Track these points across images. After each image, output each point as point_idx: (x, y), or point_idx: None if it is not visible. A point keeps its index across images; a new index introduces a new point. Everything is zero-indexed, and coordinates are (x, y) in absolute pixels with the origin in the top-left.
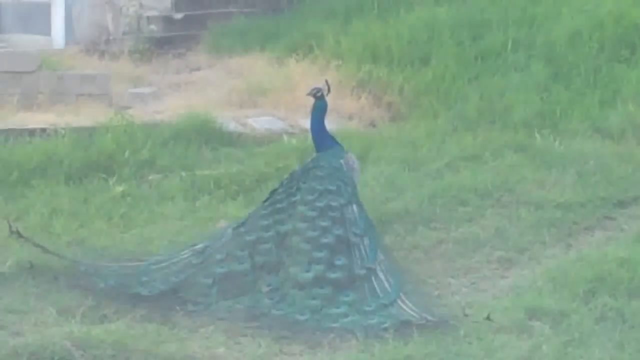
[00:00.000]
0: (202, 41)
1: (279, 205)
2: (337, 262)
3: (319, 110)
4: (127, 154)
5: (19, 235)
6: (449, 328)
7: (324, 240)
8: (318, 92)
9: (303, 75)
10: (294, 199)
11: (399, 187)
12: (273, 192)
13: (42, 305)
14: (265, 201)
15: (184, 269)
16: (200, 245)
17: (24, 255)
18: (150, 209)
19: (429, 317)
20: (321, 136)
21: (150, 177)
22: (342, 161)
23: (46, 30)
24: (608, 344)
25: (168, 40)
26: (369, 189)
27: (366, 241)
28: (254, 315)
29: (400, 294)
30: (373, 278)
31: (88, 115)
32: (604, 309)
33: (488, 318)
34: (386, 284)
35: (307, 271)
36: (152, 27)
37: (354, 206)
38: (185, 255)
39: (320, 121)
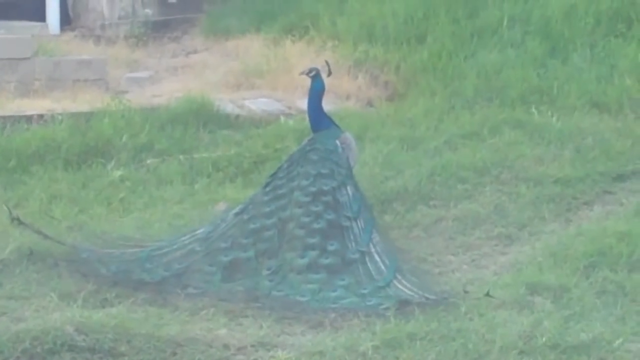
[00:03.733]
0: (197, 24)
1: (280, 191)
2: (330, 248)
3: (315, 90)
4: (124, 138)
5: (19, 221)
6: (450, 305)
7: (316, 226)
8: (311, 72)
9: (299, 56)
10: (293, 184)
11: (398, 166)
12: (272, 176)
13: (43, 290)
14: (265, 186)
15: (188, 255)
16: (201, 231)
17: (25, 241)
18: (149, 193)
19: (429, 296)
20: (317, 117)
21: (148, 161)
22: (337, 141)
23: (41, 17)
24: (609, 318)
25: (164, 23)
26: (368, 169)
27: (360, 223)
28: (255, 297)
29: (396, 274)
30: (367, 260)
31: (85, 101)
32: (605, 283)
33: (488, 294)
34: (382, 266)
35: (302, 257)
36: (148, 11)
37: (348, 188)
38: (187, 241)
39: (316, 102)
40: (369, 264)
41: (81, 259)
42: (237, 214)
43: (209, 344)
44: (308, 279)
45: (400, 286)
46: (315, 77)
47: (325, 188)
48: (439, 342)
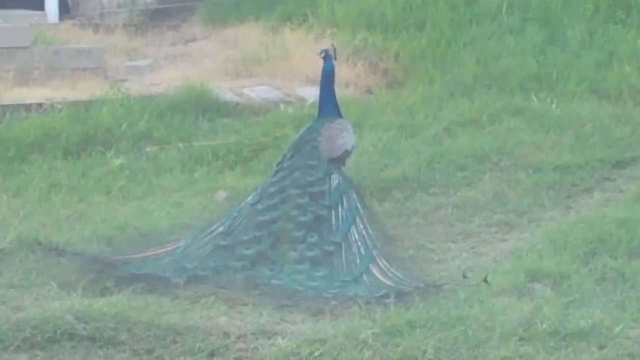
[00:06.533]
0: (196, 12)
1: (284, 183)
2: (310, 240)
3: (323, 74)
4: (124, 126)
5: (39, 243)
6: (450, 292)
7: (302, 219)
8: (321, 53)
9: (298, 44)
10: (293, 175)
11: (397, 154)
12: (278, 164)
13: (43, 279)
14: (273, 175)
15: (215, 252)
16: (220, 227)
17: (24, 230)
18: (148, 181)
19: (417, 284)
20: (322, 101)
21: (147, 150)
22: (328, 124)
23: (40, 5)
24: (609, 304)
25: (162, 12)
26: (367, 156)
27: (340, 212)
28: (255, 285)
29: (370, 265)
30: (344, 252)
31: (84, 89)
32: (604, 270)
33: (486, 280)
34: (357, 258)
35: (294, 250)
36: None
37: (332, 177)
38: (208, 238)
39: (324, 86)
40: (344, 256)
41: (107, 263)
42: (252, 205)
43: (208, 331)
44: (296, 269)
45: (379, 276)
46: (325, 58)
47: (310, 179)
48: (438, 329)
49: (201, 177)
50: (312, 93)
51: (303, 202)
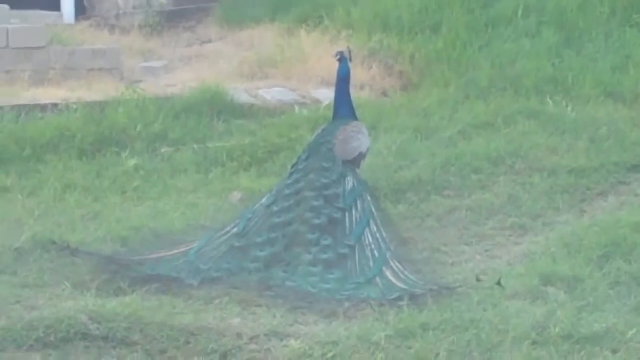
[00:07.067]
0: (212, 13)
1: (298, 185)
2: (324, 242)
3: (339, 76)
4: (139, 127)
5: (53, 242)
6: (463, 295)
7: (317, 222)
8: (337, 55)
9: (314, 46)
10: (308, 177)
11: (412, 156)
12: (293, 166)
13: (57, 279)
14: (288, 177)
15: (230, 253)
16: (235, 229)
17: (39, 230)
18: (163, 182)
19: (431, 287)
20: (337, 104)
21: (162, 151)
22: (343, 127)
23: (56, 6)
24: (623, 309)
25: (178, 13)
26: (382, 158)
27: (355, 215)
28: (268, 286)
29: (384, 267)
30: (357, 254)
31: (100, 90)
32: (619, 274)
33: (499, 284)
34: (371, 261)
35: (308, 253)
36: (162, 0)
37: (347, 179)
38: (223, 239)
39: (340, 88)
40: (357, 259)
41: (123, 264)
42: (267, 207)
43: (222, 333)
44: (309, 272)
45: (393, 279)
46: (341, 60)
47: (325, 181)
48: (452, 332)
49: (216, 178)
50: (327, 95)
51: (317, 205)
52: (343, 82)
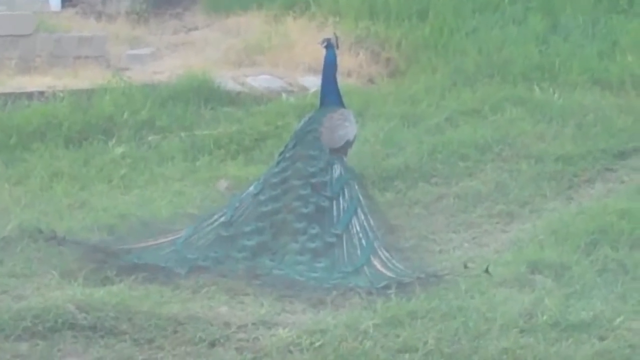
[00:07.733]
0: (198, 1)
1: (286, 173)
2: (311, 231)
3: (325, 63)
4: (126, 115)
5: (40, 231)
6: (451, 283)
7: (304, 210)
8: (324, 42)
9: (301, 33)
10: (294, 165)
11: (399, 143)
12: (280, 154)
13: (45, 268)
14: (275, 165)
15: (217, 242)
16: (222, 217)
17: (26, 218)
18: (150, 170)
19: (418, 275)
20: (324, 91)
21: (149, 138)
22: (330, 114)
23: None
24: (610, 296)
25: (165, 0)
26: (369, 146)
27: (342, 203)
28: (256, 275)
29: (371, 256)
30: (345, 243)
31: (86, 78)
32: (606, 261)
33: (486, 271)
34: (358, 250)
35: (295, 242)
36: None
37: (334, 167)
38: (210, 228)
39: (327, 75)
40: (345, 247)
41: (110, 252)
42: (255, 195)
43: (209, 321)
44: (296, 260)
45: (380, 268)
46: (327, 47)
47: (312, 169)
48: (439, 320)
49: (203, 166)
50: (314, 82)
51: (305, 194)
52: (330, 69)
